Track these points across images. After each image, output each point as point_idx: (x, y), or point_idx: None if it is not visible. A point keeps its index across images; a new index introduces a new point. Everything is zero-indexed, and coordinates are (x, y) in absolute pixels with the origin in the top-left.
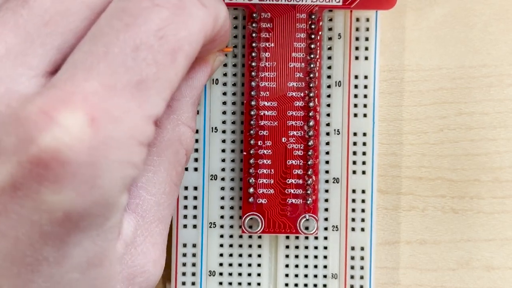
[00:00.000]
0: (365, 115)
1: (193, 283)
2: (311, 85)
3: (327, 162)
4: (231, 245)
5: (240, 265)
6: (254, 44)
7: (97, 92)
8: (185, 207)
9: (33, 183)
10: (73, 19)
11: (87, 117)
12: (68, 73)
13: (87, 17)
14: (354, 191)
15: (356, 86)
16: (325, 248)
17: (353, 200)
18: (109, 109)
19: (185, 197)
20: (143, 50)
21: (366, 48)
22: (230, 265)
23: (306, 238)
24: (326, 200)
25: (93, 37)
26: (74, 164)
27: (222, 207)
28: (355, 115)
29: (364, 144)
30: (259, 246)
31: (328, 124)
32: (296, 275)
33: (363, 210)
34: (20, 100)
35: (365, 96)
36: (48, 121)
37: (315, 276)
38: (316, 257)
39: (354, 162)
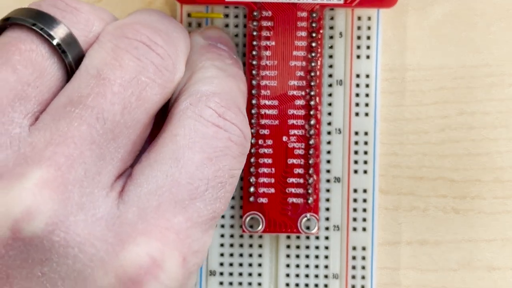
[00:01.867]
0: (366, 114)
1: None
2: (312, 83)
3: (328, 161)
4: (231, 245)
5: (240, 265)
6: (254, 43)
7: (184, 228)
8: None
9: None
10: (136, 129)
11: (180, 258)
12: (156, 202)
13: (147, 124)
14: (355, 190)
15: (357, 85)
16: (326, 248)
17: (355, 200)
18: (192, 245)
19: None
20: (220, 189)
21: (368, 47)
22: (231, 264)
23: (307, 237)
24: (327, 200)
25: (175, 160)
26: None
27: None
28: (357, 114)
29: (366, 143)
30: (260, 245)
31: (329, 123)
32: (297, 275)
33: (364, 210)
34: (108, 227)
35: (367, 95)
36: (156, 269)
37: (316, 276)
38: (317, 257)
39: (356, 162)
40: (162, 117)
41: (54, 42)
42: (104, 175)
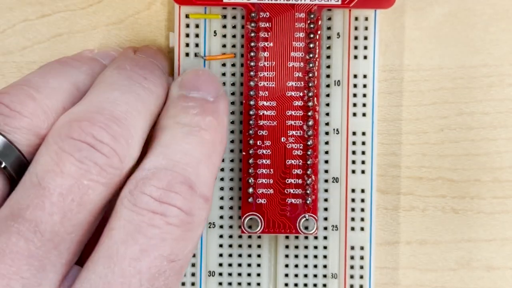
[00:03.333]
0: (364, 114)
1: (192, 284)
2: (310, 84)
3: (326, 161)
4: (230, 245)
5: (239, 265)
6: (252, 44)
7: None
8: None
9: None
10: (80, 231)
11: None
12: None
13: (93, 221)
14: (353, 190)
15: (355, 85)
16: (325, 247)
17: (353, 200)
18: None
19: None
20: (158, 278)
21: (365, 47)
22: (230, 265)
23: (306, 238)
24: (326, 200)
25: (108, 258)
26: None
27: (221, 207)
28: (354, 114)
29: (363, 143)
30: (259, 246)
31: (327, 124)
32: (296, 275)
33: (362, 210)
34: None
35: (364, 95)
36: None
37: (315, 276)
38: (315, 256)
39: (354, 162)
40: None
41: None
42: (44, 285)
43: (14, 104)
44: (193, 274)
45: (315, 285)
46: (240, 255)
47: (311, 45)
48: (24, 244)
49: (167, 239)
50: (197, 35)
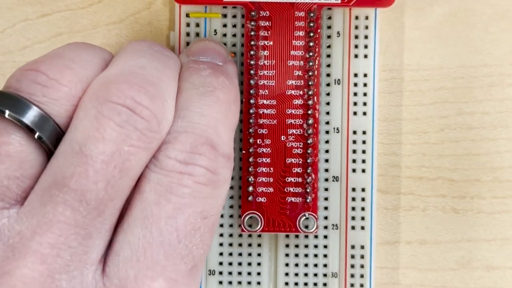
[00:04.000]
0: (364, 113)
1: None
2: (310, 83)
3: (326, 160)
4: (230, 244)
5: (240, 264)
6: (252, 43)
7: None
8: None
9: None
10: (121, 197)
11: None
12: (134, 270)
13: (131, 186)
14: (354, 189)
15: (355, 84)
16: (325, 246)
17: (353, 199)
18: None
19: None
20: (194, 235)
21: (366, 46)
22: (230, 264)
23: (306, 236)
24: (326, 199)
25: (144, 220)
26: None
27: None
28: (355, 113)
29: (364, 142)
30: (259, 245)
31: (327, 123)
32: (296, 274)
33: (363, 209)
34: None
35: (365, 94)
36: None
37: (315, 275)
38: (316, 255)
39: (354, 161)
40: None
41: (27, 127)
42: (91, 252)
43: (52, 72)
44: None
45: (315, 284)
46: (240, 254)
47: (311, 44)
48: (71, 214)
49: (197, 197)
50: (197, 34)
